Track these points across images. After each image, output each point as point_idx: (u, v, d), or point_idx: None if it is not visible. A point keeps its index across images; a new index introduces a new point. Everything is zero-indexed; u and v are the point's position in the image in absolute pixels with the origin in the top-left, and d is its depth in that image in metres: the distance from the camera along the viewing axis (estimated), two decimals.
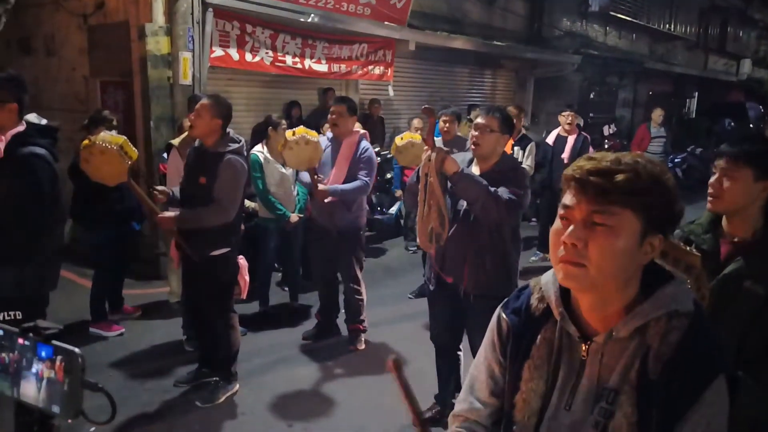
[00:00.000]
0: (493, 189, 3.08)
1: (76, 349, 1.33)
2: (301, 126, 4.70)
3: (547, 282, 1.36)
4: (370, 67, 9.10)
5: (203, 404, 4.00)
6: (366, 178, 4.66)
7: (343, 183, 4.64)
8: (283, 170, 5.23)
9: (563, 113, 7.60)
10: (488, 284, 3.26)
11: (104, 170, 3.67)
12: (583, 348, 1.29)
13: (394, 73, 9.55)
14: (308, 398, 4.22)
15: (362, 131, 4.86)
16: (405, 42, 9.28)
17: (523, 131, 7.11)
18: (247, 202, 5.15)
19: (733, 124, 17.84)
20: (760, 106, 20.90)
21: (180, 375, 4.34)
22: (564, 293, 1.33)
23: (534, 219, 9.41)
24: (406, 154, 5.04)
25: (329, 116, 4.80)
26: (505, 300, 1.49)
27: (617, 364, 1.25)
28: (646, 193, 1.18)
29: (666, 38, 19.61)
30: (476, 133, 3.22)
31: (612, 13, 15.52)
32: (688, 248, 1.53)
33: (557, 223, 1.26)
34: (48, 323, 1.41)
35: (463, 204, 3.24)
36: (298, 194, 5.43)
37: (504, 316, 1.45)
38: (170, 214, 3.80)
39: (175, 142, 4.96)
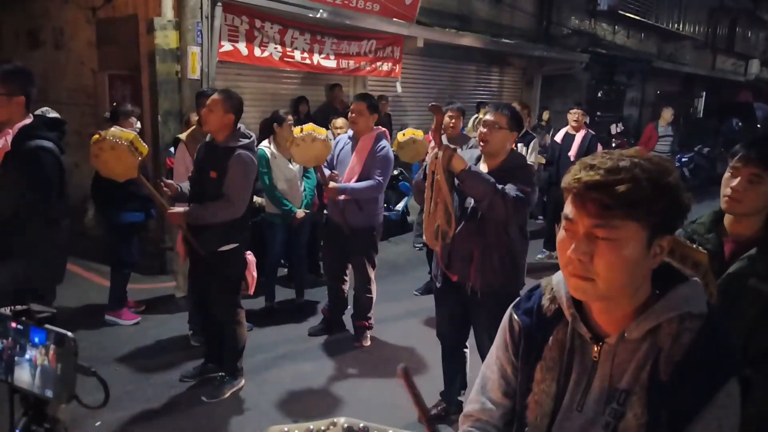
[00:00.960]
0: (500, 186, 3.06)
1: (69, 333, 1.33)
2: (310, 123, 4.67)
3: (558, 282, 1.35)
4: (379, 64, 9.09)
5: (209, 399, 4.00)
6: (379, 178, 4.61)
7: (357, 181, 4.61)
8: (290, 166, 5.22)
9: (571, 111, 7.58)
10: (495, 282, 3.25)
11: (114, 166, 3.67)
12: (595, 349, 1.28)
13: (402, 69, 9.54)
14: (314, 394, 4.22)
15: (381, 129, 4.78)
16: (413, 39, 9.27)
17: (527, 128, 7.09)
18: (255, 198, 5.14)
19: (740, 124, 17.77)
20: None
21: (186, 370, 4.34)
22: None
23: (541, 216, 9.39)
24: (407, 149, 5.04)
25: (349, 114, 4.76)
26: (517, 300, 1.48)
27: (629, 365, 1.23)
28: (649, 201, 1.14)
29: (674, 38, 19.52)
30: (485, 130, 3.20)
31: (621, 11, 15.45)
32: (694, 246, 1.52)
33: (561, 232, 1.24)
34: (41, 307, 1.41)
35: (471, 202, 3.22)
36: (304, 190, 5.41)
37: (516, 316, 1.44)
38: (179, 208, 3.80)
39: (183, 136, 4.96)
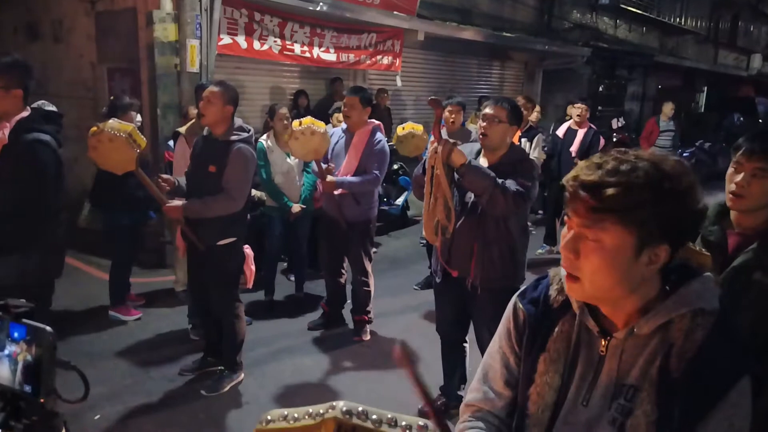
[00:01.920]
0: (500, 181, 3.05)
1: (48, 327, 1.32)
2: (309, 116, 4.65)
3: None
4: (379, 57, 9.06)
5: (208, 393, 4.00)
6: (376, 171, 4.61)
7: (354, 175, 4.60)
8: (288, 159, 5.21)
9: (575, 105, 7.53)
10: (495, 277, 3.23)
11: (112, 158, 3.64)
12: (603, 343, 1.26)
13: (402, 63, 9.51)
14: (313, 388, 4.21)
15: (376, 122, 4.78)
16: (414, 32, 9.23)
17: (531, 122, 7.07)
18: (253, 191, 5.13)
19: (742, 119, 17.75)
20: None
21: (185, 364, 4.34)
22: None
23: (541, 211, 9.38)
24: (406, 143, 5.02)
25: (342, 108, 4.74)
26: (523, 289, 1.46)
27: (637, 361, 1.22)
28: (639, 207, 1.11)
29: (676, 32, 19.49)
30: (484, 124, 3.18)
31: (622, 5, 15.40)
32: (697, 248, 1.50)
33: (565, 227, 1.23)
34: (18, 302, 1.40)
35: (471, 196, 3.20)
36: (303, 184, 5.40)
37: (521, 305, 1.42)
38: (178, 202, 3.78)
39: (182, 130, 4.95)
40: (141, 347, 4.68)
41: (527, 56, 12.89)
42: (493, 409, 1.44)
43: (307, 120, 4.39)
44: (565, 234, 1.22)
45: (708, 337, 1.16)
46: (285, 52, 7.64)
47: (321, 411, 0.80)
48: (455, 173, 3.12)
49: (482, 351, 1.65)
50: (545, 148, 7.23)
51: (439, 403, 3.80)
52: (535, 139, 6.82)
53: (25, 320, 1.35)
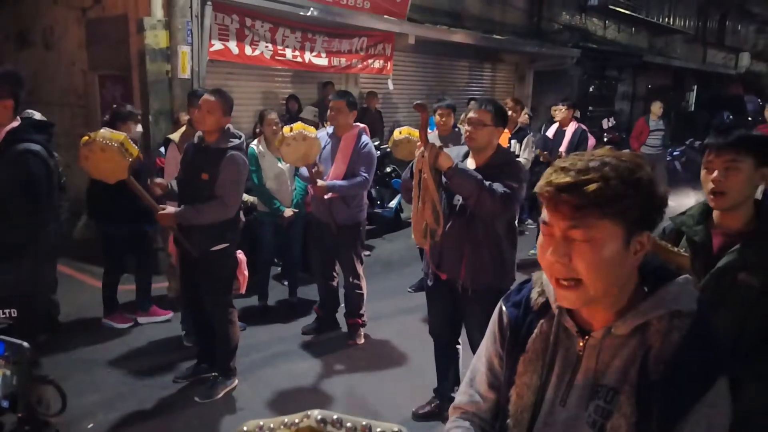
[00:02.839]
0: (487, 183, 3.07)
1: (24, 343, 1.33)
2: (299, 122, 4.67)
3: None
4: (370, 61, 9.09)
5: (202, 400, 4.00)
6: (365, 174, 4.65)
7: (343, 178, 4.63)
8: (280, 165, 5.22)
9: (554, 107, 7.67)
10: (485, 279, 3.26)
11: (104, 167, 3.63)
12: (580, 343, 1.28)
13: (393, 66, 9.54)
14: (307, 393, 4.22)
15: (361, 125, 4.82)
16: (404, 36, 9.27)
17: (521, 124, 7.10)
18: (246, 196, 5.14)
19: (731, 117, 17.84)
20: (759, 99, 20.92)
21: (179, 371, 4.34)
22: None
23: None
24: (401, 148, 5.05)
25: (328, 112, 4.77)
26: (508, 292, 1.48)
27: (614, 362, 1.23)
28: (620, 198, 1.14)
29: (665, 32, 19.60)
30: (470, 128, 3.21)
31: (611, 6, 15.50)
32: (676, 249, 1.53)
33: (541, 236, 1.24)
34: None
35: (459, 199, 3.23)
36: (295, 189, 5.41)
37: (504, 308, 1.45)
38: (170, 209, 3.78)
39: (174, 137, 4.95)
40: (134, 354, 4.68)
41: (518, 58, 12.95)
42: (479, 411, 1.47)
43: (298, 125, 4.40)
44: (542, 243, 1.23)
45: (685, 338, 1.18)
46: (276, 57, 7.67)
47: (296, 420, 0.82)
48: (442, 176, 3.14)
49: (474, 352, 1.68)
50: (535, 149, 7.27)
51: (432, 405, 3.83)
52: (525, 140, 6.84)
53: (1, 337, 1.36)
